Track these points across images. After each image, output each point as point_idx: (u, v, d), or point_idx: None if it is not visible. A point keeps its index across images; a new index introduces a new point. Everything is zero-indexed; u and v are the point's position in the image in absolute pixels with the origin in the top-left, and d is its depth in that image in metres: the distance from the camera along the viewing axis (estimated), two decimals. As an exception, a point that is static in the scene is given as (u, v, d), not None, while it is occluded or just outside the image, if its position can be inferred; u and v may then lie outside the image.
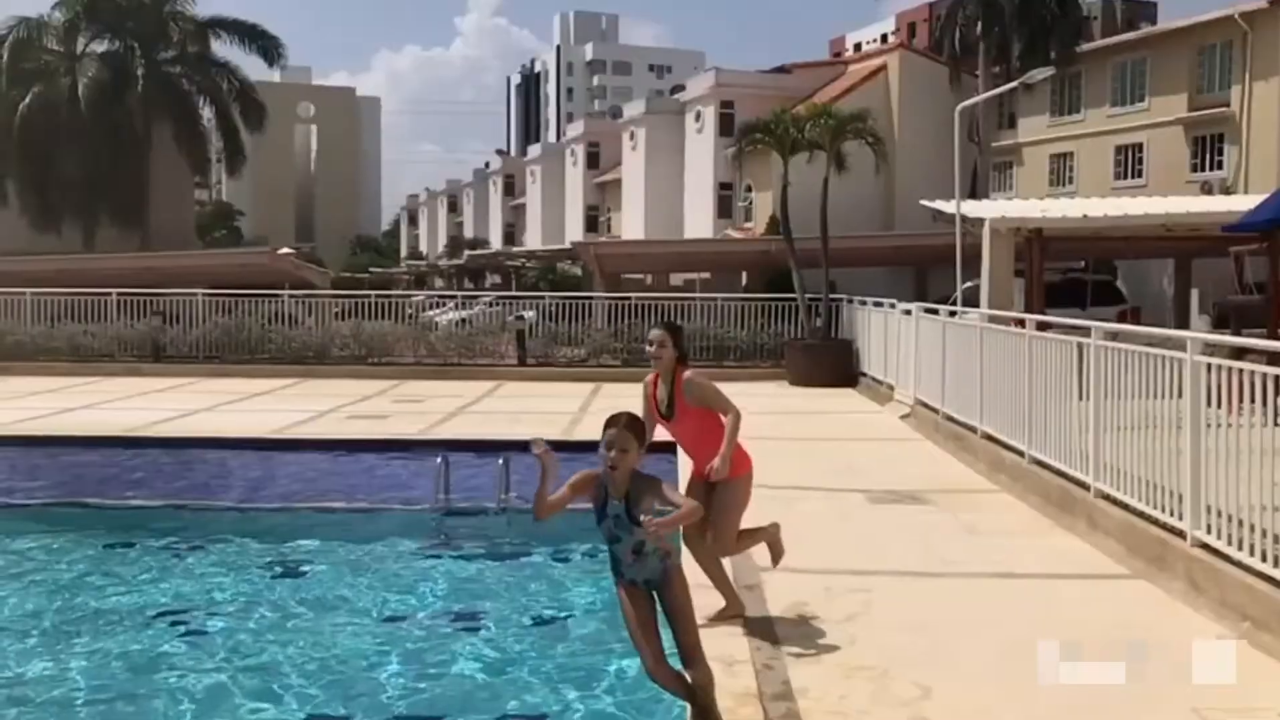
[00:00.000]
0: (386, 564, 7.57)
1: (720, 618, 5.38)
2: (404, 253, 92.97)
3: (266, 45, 36.12)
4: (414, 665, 5.50)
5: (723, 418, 5.40)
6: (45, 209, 32.32)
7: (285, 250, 30.53)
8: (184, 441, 11.72)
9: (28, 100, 31.83)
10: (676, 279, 37.24)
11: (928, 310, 13.17)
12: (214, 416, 13.65)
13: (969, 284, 16.07)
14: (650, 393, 5.52)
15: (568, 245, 42.26)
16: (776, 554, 5.81)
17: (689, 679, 4.19)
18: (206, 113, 36.28)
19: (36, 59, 33.04)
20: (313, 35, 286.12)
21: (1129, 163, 36.18)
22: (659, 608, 4.29)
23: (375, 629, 6.11)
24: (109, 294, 20.35)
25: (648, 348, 5.49)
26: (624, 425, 4.18)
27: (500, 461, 8.63)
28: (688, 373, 5.43)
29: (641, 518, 4.06)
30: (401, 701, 5.09)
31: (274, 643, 5.83)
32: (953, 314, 12.44)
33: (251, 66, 38.94)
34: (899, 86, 41.22)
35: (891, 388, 14.54)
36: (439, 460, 8.84)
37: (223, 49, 36.46)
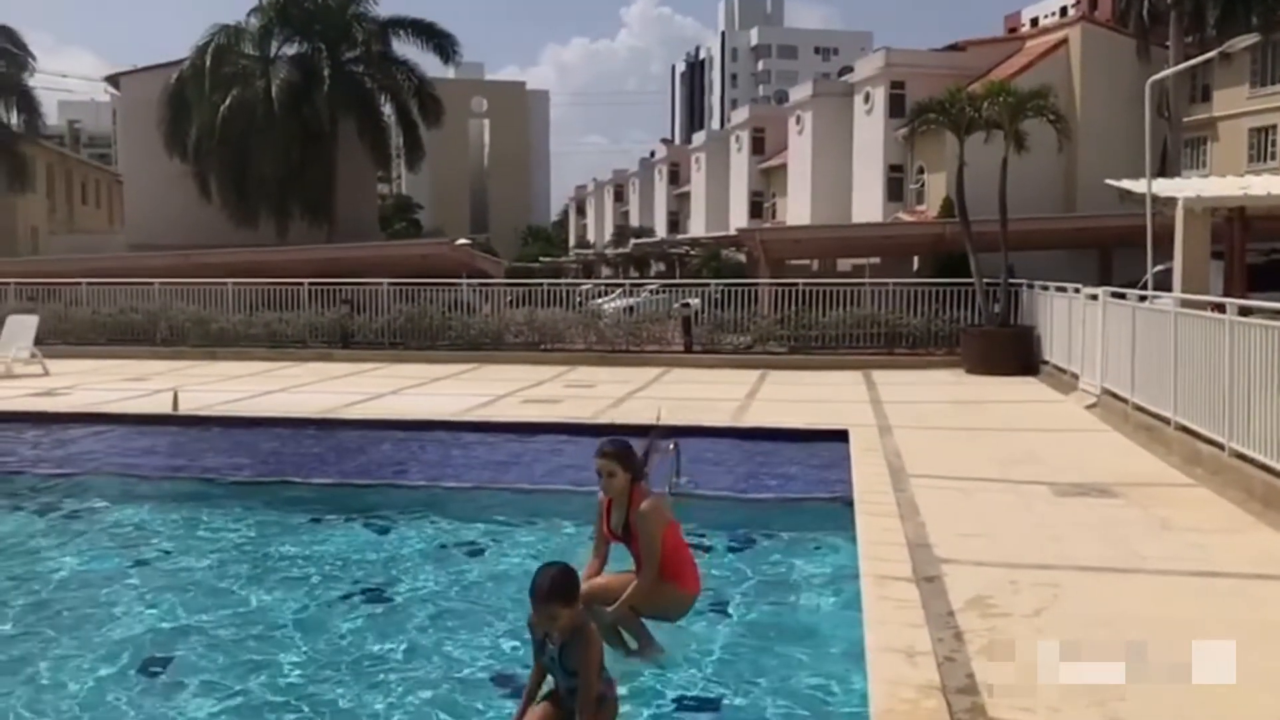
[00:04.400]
0: (564, 544, 7.78)
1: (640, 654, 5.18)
2: (572, 242, 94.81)
3: (442, 43, 37.46)
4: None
5: (636, 571, 5.15)
6: (243, 204, 34.57)
7: (462, 241, 31.69)
8: (374, 423, 12.33)
9: (227, 103, 33.99)
10: (844, 264, 36.65)
11: (1115, 295, 12.59)
12: (399, 400, 14.31)
13: (1160, 267, 15.26)
14: (603, 513, 5.36)
15: (732, 232, 42.15)
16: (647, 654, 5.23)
17: None
18: (387, 109, 37.91)
19: (235, 64, 35.20)
20: (484, 32, 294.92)
21: (1342, 135, 33.51)
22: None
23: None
24: (301, 284, 21.60)
25: (597, 478, 5.28)
26: (546, 599, 4.21)
27: (670, 446, 8.71)
28: (645, 503, 5.19)
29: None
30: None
31: (470, 619, 6.11)
32: (1143, 299, 11.85)
33: (428, 64, 40.53)
34: (1081, 61, 39.29)
35: (1076, 376, 13.96)
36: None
37: (401, 48, 38.06)
